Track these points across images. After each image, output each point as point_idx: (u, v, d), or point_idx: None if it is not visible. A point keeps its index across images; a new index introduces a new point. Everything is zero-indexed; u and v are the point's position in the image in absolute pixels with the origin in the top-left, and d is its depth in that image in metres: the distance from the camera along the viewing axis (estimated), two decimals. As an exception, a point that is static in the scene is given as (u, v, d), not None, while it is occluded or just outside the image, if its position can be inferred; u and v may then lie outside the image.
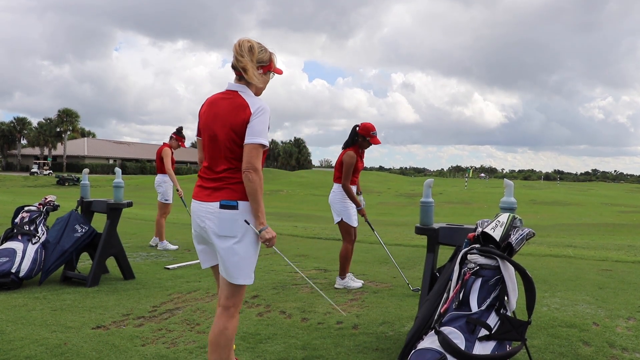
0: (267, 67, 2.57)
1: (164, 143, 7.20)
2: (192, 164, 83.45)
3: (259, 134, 2.41)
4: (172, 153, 7.16)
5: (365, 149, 5.06)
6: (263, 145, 2.42)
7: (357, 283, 5.06)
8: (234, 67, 2.52)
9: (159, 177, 7.14)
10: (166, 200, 7.12)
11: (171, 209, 7.28)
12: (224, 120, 2.46)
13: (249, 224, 2.45)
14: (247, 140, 2.41)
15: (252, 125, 2.41)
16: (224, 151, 2.47)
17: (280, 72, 2.65)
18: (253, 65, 2.48)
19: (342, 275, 5.04)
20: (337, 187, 5.06)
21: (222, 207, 2.42)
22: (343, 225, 5.03)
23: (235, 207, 2.42)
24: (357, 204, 5.09)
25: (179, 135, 7.18)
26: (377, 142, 4.98)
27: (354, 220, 5.05)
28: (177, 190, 7.05)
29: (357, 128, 4.98)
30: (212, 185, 2.49)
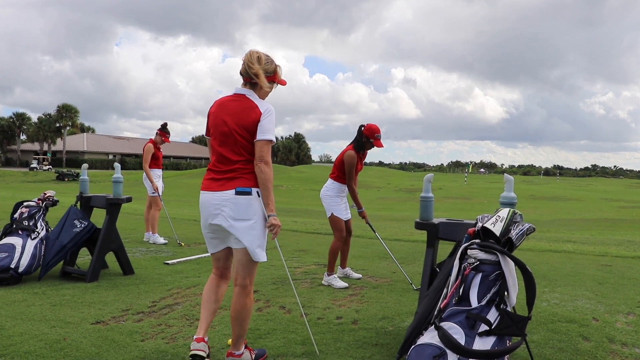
0: (272, 77, 2.91)
1: (150, 139, 7.42)
2: (192, 159, 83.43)
3: (268, 131, 2.77)
4: (159, 149, 7.40)
5: (368, 150, 5.02)
6: (271, 141, 2.78)
7: (341, 284, 4.86)
8: (242, 73, 2.86)
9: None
10: (153, 193, 7.25)
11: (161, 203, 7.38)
12: (236, 119, 2.78)
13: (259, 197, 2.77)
14: (259, 137, 2.76)
15: (262, 124, 2.76)
16: (237, 146, 2.78)
17: (284, 83, 2.98)
18: (263, 73, 2.83)
19: (330, 271, 4.95)
20: (330, 183, 5.03)
21: (237, 193, 2.75)
22: (333, 220, 4.98)
23: (249, 193, 2.76)
24: (359, 206, 5.07)
25: (163, 131, 7.35)
26: (379, 146, 4.92)
27: (344, 214, 5.01)
28: (152, 184, 7.24)
29: (363, 128, 4.93)
30: (225, 176, 2.79)
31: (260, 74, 2.80)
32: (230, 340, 3.26)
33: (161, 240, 7.23)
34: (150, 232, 7.43)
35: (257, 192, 2.78)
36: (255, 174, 2.78)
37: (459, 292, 2.61)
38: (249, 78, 2.85)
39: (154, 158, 7.29)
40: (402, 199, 35.62)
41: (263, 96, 2.92)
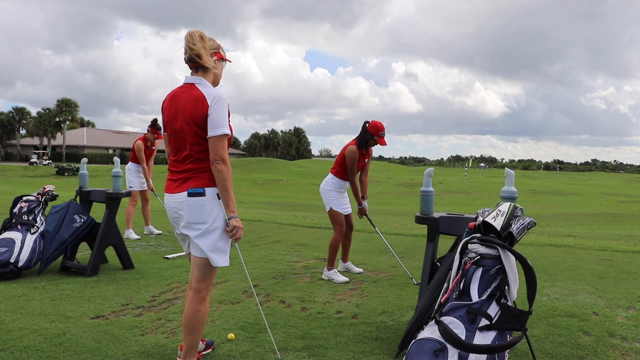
0: (218, 54, 2.69)
1: (140, 136, 7.39)
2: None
3: (219, 124, 2.50)
4: (151, 144, 7.36)
5: (371, 147, 4.98)
6: (226, 135, 2.52)
7: (342, 278, 4.86)
8: (188, 60, 2.61)
9: (127, 166, 7.39)
10: (130, 187, 7.30)
11: (139, 197, 7.43)
12: (184, 114, 2.54)
13: (219, 198, 2.53)
14: (210, 133, 2.49)
15: (211, 117, 2.49)
16: (189, 144, 2.56)
17: (229, 60, 2.78)
18: (206, 52, 2.60)
19: (330, 266, 4.94)
20: (330, 177, 5.02)
21: (190, 195, 2.53)
22: (333, 214, 4.96)
23: (202, 194, 2.53)
24: (359, 203, 5.05)
25: (154, 127, 7.29)
26: (383, 144, 4.85)
27: (343, 208, 4.98)
28: (148, 184, 7.35)
29: (367, 125, 4.87)
30: (180, 177, 2.59)
31: (202, 54, 2.56)
32: (231, 335, 3.25)
33: (134, 236, 7.14)
34: (152, 227, 7.51)
35: (213, 192, 2.55)
36: (212, 172, 2.54)
37: (459, 287, 2.61)
38: (194, 63, 2.60)
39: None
40: (402, 194, 35.60)
41: (217, 80, 2.70)
